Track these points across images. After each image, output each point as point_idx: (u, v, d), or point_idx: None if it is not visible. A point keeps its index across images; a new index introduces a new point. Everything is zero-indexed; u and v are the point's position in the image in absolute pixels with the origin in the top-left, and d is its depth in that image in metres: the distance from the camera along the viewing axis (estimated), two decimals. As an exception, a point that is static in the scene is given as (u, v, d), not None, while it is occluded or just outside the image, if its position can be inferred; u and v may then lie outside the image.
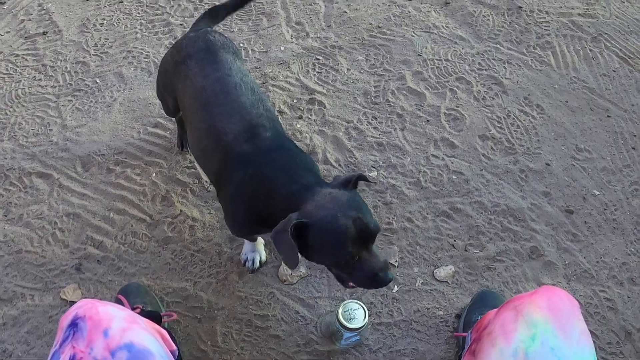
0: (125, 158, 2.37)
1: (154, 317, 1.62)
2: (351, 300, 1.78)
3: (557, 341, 1.24)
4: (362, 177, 1.47)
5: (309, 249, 1.41)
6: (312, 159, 1.73)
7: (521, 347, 1.25)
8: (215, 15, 2.13)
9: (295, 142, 1.80)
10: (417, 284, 2.06)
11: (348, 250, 1.36)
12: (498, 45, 2.81)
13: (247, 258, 2.07)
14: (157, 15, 2.90)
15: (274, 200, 1.50)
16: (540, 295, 1.34)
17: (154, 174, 2.32)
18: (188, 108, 1.81)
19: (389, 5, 2.95)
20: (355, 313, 1.74)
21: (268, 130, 1.66)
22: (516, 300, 1.37)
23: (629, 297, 2.02)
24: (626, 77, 2.69)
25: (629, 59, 2.76)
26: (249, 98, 1.71)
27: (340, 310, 1.74)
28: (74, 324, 1.20)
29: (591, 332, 1.89)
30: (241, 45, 2.77)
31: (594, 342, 1.88)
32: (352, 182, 1.46)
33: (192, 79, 1.80)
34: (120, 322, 1.22)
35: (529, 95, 2.60)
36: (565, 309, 1.30)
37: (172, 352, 1.43)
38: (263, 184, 1.55)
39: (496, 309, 1.48)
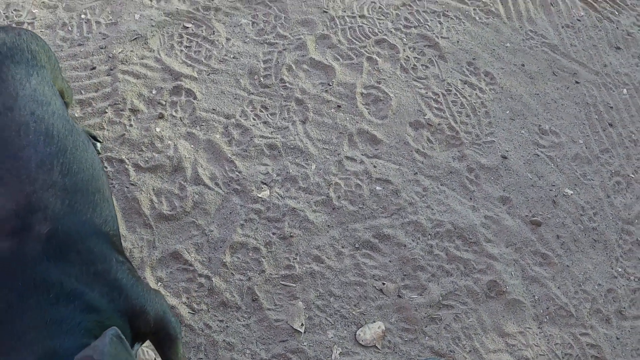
0: None
1: None
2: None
3: None
4: None
5: None
6: (121, 279, 1.19)
7: None
8: None
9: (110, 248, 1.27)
10: (333, 356, 1.68)
11: None
12: (430, -9, 2.51)
13: None
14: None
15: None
16: None
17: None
18: None
19: (282, -55, 2.60)
20: None
21: (47, 221, 1.13)
22: None
23: (618, 338, 1.79)
24: (594, 28, 2.53)
25: (594, 3, 2.56)
26: (40, 151, 1.22)
27: None
28: None
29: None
30: (82, 16, 2.26)
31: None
32: None
33: None
34: None
35: (473, 59, 2.35)
36: None
37: None
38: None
39: None
